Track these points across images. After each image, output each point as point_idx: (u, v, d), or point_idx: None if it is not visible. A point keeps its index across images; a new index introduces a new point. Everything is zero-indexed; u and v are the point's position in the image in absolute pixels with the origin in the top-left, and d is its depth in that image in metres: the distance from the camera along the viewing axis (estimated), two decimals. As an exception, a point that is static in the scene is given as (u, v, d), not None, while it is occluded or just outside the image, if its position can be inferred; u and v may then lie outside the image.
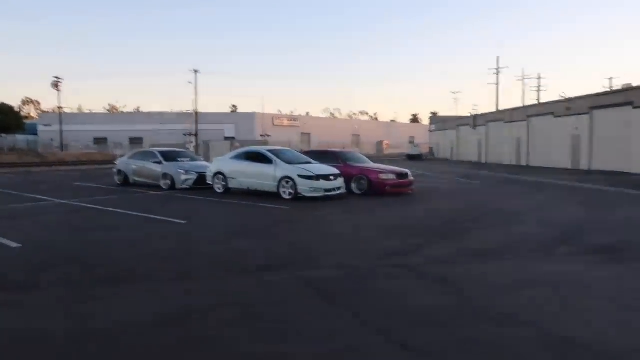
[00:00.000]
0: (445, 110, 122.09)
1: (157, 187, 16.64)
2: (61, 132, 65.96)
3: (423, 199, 14.23)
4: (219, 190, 15.18)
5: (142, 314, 4.52)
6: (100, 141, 75.70)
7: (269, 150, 14.40)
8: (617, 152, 29.22)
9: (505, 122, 43.76)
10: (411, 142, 69.02)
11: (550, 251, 7.28)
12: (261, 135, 75.22)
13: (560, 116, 35.28)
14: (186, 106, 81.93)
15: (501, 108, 50.62)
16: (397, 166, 17.51)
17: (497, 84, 67.08)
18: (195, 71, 74.62)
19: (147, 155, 17.89)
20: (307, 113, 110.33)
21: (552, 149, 36.01)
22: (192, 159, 18.15)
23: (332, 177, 13.70)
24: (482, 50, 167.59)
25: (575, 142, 33.45)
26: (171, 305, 4.73)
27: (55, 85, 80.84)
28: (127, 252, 7.08)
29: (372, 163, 16.41)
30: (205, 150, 45.30)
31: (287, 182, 13.45)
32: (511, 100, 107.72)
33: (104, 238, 8.24)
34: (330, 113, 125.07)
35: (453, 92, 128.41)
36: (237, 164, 14.83)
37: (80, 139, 74.49)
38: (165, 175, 16.67)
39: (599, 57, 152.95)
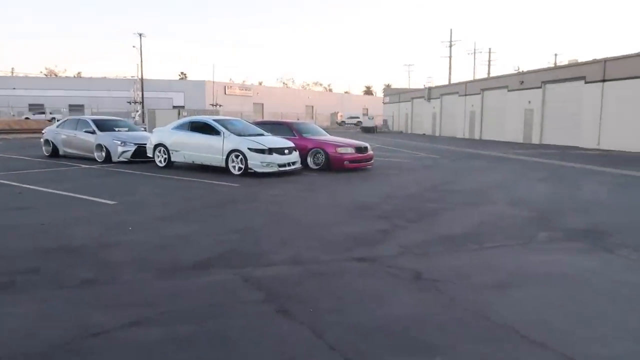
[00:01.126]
0: (399, 83, 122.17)
1: (91, 160, 14.94)
2: (-10, 96, 60.80)
3: (383, 174, 13.34)
4: (160, 164, 13.72)
5: (30, 339, 3.29)
6: (35, 107, 70.45)
7: (216, 120, 13.00)
8: (568, 127, 29.51)
9: (460, 96, 43.64)
10: (365, 115, 68.35)
11: (529, 237, 6.51)
12: (212, 105, 72.43)
13: (513, 90, 35.31)
14: (132, 73, 77.46)
15: (454, 81, 50.58)
16: (354, 139, 16.53)
17: (450, 57, 67.19)
18: (140, 35, 70.54)
19: (79, 124, 16.02)
20: (260, 83, 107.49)
21: (505, 123, 36.15)
22: (131, 129, 16.43)
23: (286, 151, 12.53)
24: (435, 22, 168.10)
25: (528, 116, 33.62)
26: (67, 325, 3.52)
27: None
28: (32, 242, 5.71)
29: (329, 136, 15.33)
30: (150, 119, 42.62)
31: (237, 156, 12.17)
32: (464, 74, 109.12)
33: (9, 222, 6.79)
34: (284, 83, 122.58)
35: (406, 65, 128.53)
36: (180, 135, 13.36)
37: (13, 105, 69.09)
38: (99, 147, 14.95)
39: (547, 33, 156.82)
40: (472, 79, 54.21)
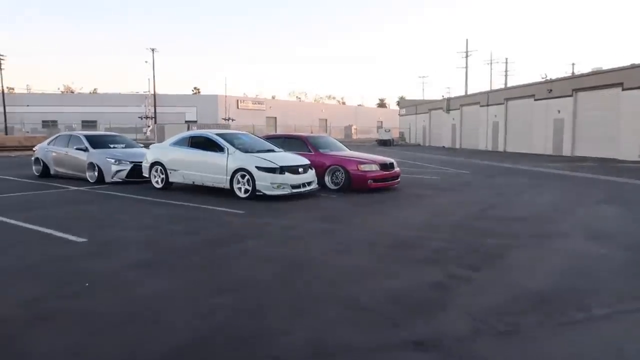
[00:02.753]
0: (413, 95, 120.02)
1: (84, 181, 13.30)
2: (5, 113, 60.27)
3: (415, 195, 11.42)
4: (157, 186, 11.99)
5: None
6: (49, 124, 69.88)
7: (220, 135, 11.24)
8: (603, 138, 27.32)
9: (481, 106, 41.62)
10: (381, 127, 66.38)
11: (648, 295, 4.56)
12: (224, 119, 71.36)
13: (541, 99, 33.24)
14: (146, 88, 76.95)
15: (470, 92, 48.50)
16: (372, 153, 14.68)
17: (466, 67, 65.23)
18: (153, 50, 70.11)
19: (71, 141, 14.41)
20: (273, 97, 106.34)
21: (532, 134, 34.01)
22: (128, 145, 14.76)
23: (300, 170, 10.70)
24: (449, 34, 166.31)
25: (558, 127, 31.48)
26: None
27: (-4, 63, 74.53)
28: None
29: (348, 150, 13.49)
30: (160, 135, 41.37)
31: (243, 176, 10.38)
32: (480, 85, 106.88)
33: None
34: (297, 97, 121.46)
35: (420, 77, 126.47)
36: (179, 152, 11.62)
37: (27, 122, 68.64)
38: (91, 166, 13.30)
39: (562, 44, 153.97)
40: (491, 88, 52.16)
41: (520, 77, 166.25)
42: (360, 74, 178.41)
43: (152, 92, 70.12)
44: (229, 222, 7.97)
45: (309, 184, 10.86)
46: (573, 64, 75.03)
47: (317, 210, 9.29)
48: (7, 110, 66.51)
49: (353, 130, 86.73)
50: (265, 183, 10.11)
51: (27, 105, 74.48)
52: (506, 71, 74.99)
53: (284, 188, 10.25)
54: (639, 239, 6.87)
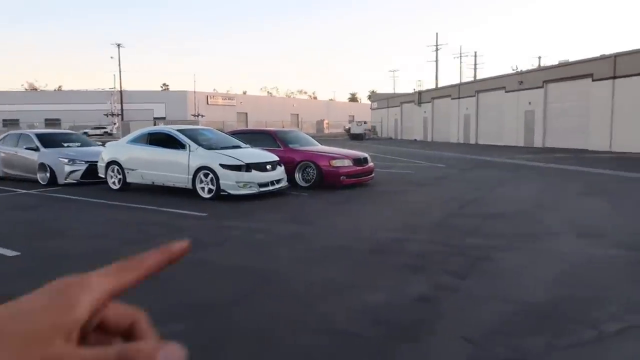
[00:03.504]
0: (384, 89, 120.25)
1: (35, 183, 12.25)
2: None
3: (391, 192, 10.83)
4: (113, 187, 11.08)
5: None
6: (10, 123, 66.92)
7: (181, 131, 10.40)
8: (574, 129, 27.42)
9: (453, 99, 41.54)
10: (352, 121, 65.93)
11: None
12: (193, 115, 69.75)
13: (512, 91, 33.25)
14: (112, 85, 74.62)
15: (440, 85, 48.47)
16: (344, 148, 14.07)
17: (436, 60, 65.32)
18: (118, 45, 67.99)
19: (21, 139, 13.29)
20: (244, 92, 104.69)
21: (504, 126, 34.03)
22: (84, 144, 13.72)
23: (268, 167, 9.98)
24: (419, 27, 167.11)
25: (529, 118, 31.53)
26: None
27: (-48, 59, 70.85)
28: None
29: (320, 145, 12.81)
30: (125, 132, 39.78)
31: (206, 175, 9.59)
32: (450, 78, 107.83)
33: None
34: (268, 92, 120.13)
35: (391, 71, 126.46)
36: (137, 150, 10.74)
37: (-14, 121, 65.58)
38: (42, 167, 12.24)
39: (531, 36, 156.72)
40: (461, 81, 52.33)
41: (490, 70, 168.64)
42: (331, 69, 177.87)
43: (118, 89, 68.05)
44: (189, 227, 7.20)
45: (278, 181, 10.15)
46: (539, 57, 75.85)
47: (286, 210, 8.59)
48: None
49: (325, 125, 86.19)
50: (230, 182, 9.36)
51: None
52: (475, 64, 75.50)
53: (250, 187, 9.51)
54: (632, 236, 6.41)
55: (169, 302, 4.09)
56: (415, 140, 46.81)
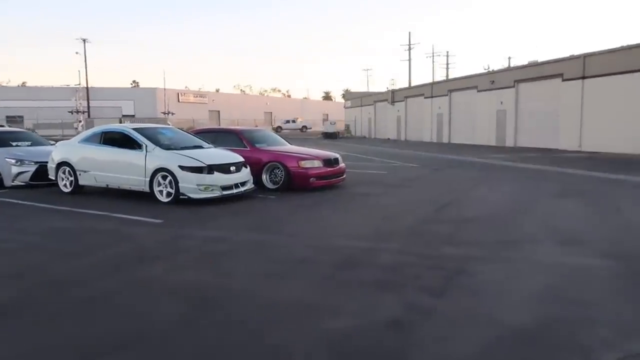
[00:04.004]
0: (358, 88, 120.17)
1: (-21, 185, 11.30)
2: None
3: (362, 194, 10.33)
4: (65, 190, 10.28)
5: None
6: (-31, 120, 64.04)
7: (137, 130, 9.66)
8: (545, 128, 27.55)
9: (426, 97, 41.49)
10: (326, 120, 65.56)
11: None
12: (163, 113, 68.14)
13: (483, 90, 33.30)
14: (78, 81, 72.45)
15: (414, 85, 48.41)
16: (317, 148, 13.55)
17: (409, 59, 65.46)
18: (84, 40, 66.08)
19: (-36, 139, 12.28)
20: (217, 90, 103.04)
21: (476, 125, 34.07)
22: (35, 143, 12.78)
23: (232, 168, 9.35)
24: (393, 26, 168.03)
25: (500, 118, 31.60)
26: None
27: None
28: None
29: (289, 145, 12.23)
30: (90, 130, 38.37)
31: (164, 177, 8.91)
32: (423, 77, 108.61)
33: None
34: (241, 90, 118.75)
35: (365, 70, 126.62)
36: (90, 150, 9.96)
37: (-56, 119, 62.71)
38: (-13, 168, 11.31)
39: (501, 37, 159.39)
40: (434, 80, 52.48)
41: (462, 70, 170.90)
42: (305, 67, 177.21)
43: (84, 85, 66.02)
44: (139, 236, 6.53)
45: (243, 184, 9.54)
46: (509, 58, 76.69)
47: (250, 216, 7.99)
48: None
49: (274, 121, 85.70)
50: (190, 185, 8.70)
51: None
52: (447, 64, 76.06)
53: (212, 190, 8.88)
54: (615, 243, 6.05)
55: (97, 335, 3.46)
56: (389, 139, 46.65)
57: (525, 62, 32.88)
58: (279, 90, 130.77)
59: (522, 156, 20.73)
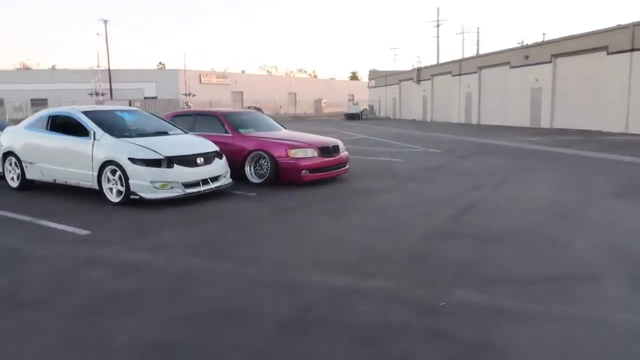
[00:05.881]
0: (385, 67, 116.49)
1: None
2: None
3: (362, 192, 8.36)
4: (12, 184, 8.68)
5: None
6: (-6, 103, 64.26)
7: (87, 113, 7.88)
8: (586, 108, 24.76)
9: (453, 76, 38.73)
10: (351, 100, 63.19)
11: None
12: (184, 95, 67.02)
13: (517, 66, 30.48)
14: (98, 62, 71.86)
15: (441, 62, 45.43)
16: (339, 128, 11.59)
17: (437, 36, 62.57)
18: (105, 21, 65.34)
19: None
20: (243, 71, 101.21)
21: (508, 105, 31.35)
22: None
23: (199, 160, 7.52)
24: (421, 3, 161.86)
25: (535, 96, 28.83)
26: None
27: None
28: None
29: (284, 130, 10.32)
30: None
31: (114, 172, 7.16)
32: (452, 56, 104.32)
33: None
34: (267, 71, 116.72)
35: (392, 48, 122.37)
36: (35, 138, 8.29)
37: (-29, 101, 63.17)
38: None
39: (537, 12, 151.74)
40: (465, 57, 49.36)
41: (493, 47, 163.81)
42: (332, 47, 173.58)
43: (103, 67, 65.36)
44: (42, 258, 4.78)
45: (215, 179, 7.71)
46: (544, 34, 71.58)
47: (209, 225, 6.15)
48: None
49: (323, 104, 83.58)
50: (143, 182, 6.92)
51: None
52: (478, 40, 72.59)
53: (172, 188, 7.09)
54: None
55: None
56: (414, 120, 44.16)
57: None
58: (305, 71, 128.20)
59: (560, 140, 18.28)
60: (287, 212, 6.78)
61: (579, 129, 24.16)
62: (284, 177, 8.59)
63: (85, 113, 7.82)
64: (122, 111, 8.67)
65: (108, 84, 66.76)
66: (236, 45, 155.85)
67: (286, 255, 4.82)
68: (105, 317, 3.41)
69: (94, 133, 7.43)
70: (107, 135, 7.39)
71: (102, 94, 59.62)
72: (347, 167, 9.62)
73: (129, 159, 6.97)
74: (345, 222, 6.18)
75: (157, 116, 9.25)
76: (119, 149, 7.14)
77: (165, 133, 8.18)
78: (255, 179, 8.83)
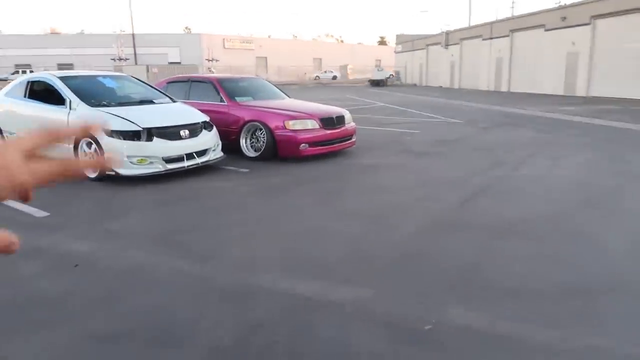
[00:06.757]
0: (414, 32, 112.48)
1: None
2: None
3: (364, 169, 7.53)
4: (-6, 155, 8.16)
5: None
6: (21, 67, 64.87)
7: (65, 78, 7.20)
8: (628, 74, 22.94)
9: (484, 39, 36.68)
10: (378, 66, 61.26)
11: None
12: (207, 60, 66.23)
13: (552, 29, 28.47)
14: (122, 26, 71.52)
15: (470, 25, 43.09)
16: (360, 96, 10.68)
17: (471, -3, 59.16)
18: (128, -18, 64.28)
19: None
20: (269, 36, 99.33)
21: (541, 71, 29.49)
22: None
23: (183, 132, 6.79)
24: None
25: (571, 61, 26.94)
26: None
27: (-41, 1, 68.51)
28: None
29: (286, 99, 9.48)
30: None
31: (89, 145, 6.52)
32: (484, 20, 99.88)
33: None
34: (294, 36, 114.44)
35: (421, 11, 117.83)
36: (13, 105, 7.69)
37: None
38: None
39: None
40: (497, 19, 46.86)
41: (528, 9, 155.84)
42: (360, 11, 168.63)
43: (125, 32, 64.79)
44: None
45: (202, 153, 7.00)
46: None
47: (180, 207, 5.46)
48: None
49: (349, 70, 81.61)
50: (119, 157, 6.26)
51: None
52: (512, 1, 68.65)
53: (151, 163, 6.41)
54: None
55: None
56: (441, 87, 42.40)
57: None
58: (332, 36, 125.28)
59: (597, 109, 16.85)
60: (274, 193, 6.04)
61: (618, 97, 22.45)
62: (281, 151, 7.82)
63: (63, 79, 7.15)
64: (105, 77, 7.96)
65: (132, 49, 66.38)
66: (263, 11, 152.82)
67: (256, 250, 4.10)
68: (2, 335, 2.77)
69: (70, 101, 6.77)
70: (82, 103, 6.72)
71: (126, 59, 59.32)
72: (353, 140, 8.76)
73: (104, 130, 6.31)
74: (335, 206, 5.40)
75: (145, 83, 8.51)
76: (94, 120, 6.46)
77: (150, 102, 7.47)
78: (251, 153, 8.09)
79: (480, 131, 11.83)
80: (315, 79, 62.55)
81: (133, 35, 67.97)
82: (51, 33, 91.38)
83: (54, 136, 0.52)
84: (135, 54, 67.36)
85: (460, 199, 5.57)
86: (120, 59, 58.12)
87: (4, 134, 7.85)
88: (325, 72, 69.23)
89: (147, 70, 39.48)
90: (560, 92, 27.33)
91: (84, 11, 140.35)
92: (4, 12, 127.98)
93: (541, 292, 3.23)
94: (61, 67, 64.16)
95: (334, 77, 65.73)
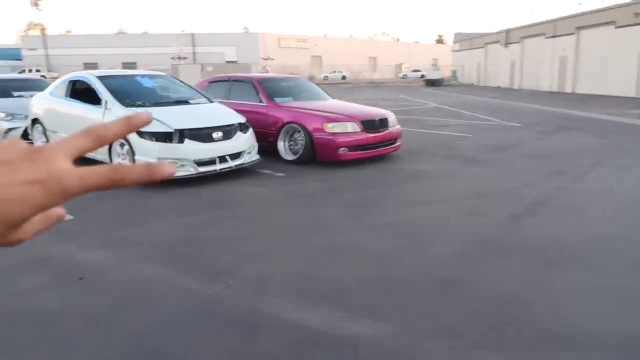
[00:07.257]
0: (473, 30, 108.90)
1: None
2: (47, 56, 58.97)
3: (407, 176, 7.01)
4: (39, 153, 8.28)
5: None
6: (89, 66, 68.31)
7: (102, 78, 7.15)
8: None
9: (546, 38, 34.76)
10: (434, 65, 59.75)
11: None
12: (263, 59, 67.03)
13: (624, 25, 26.45)
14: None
15: (532, 23, 40.83)
16: (415, 96, 10.18)
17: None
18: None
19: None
20: (325, 35, 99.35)
21: (610, 71, 27.51)
22: (43, 93, 11.01)
23: (216, 134, 6.55)
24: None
25: (646, 61, 24.92)
26: None
27: (35, 3, 72.91)
28: None
29: (329, 100, 9.10)
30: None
31: (122, 145, 6.41)
32: (546, 17, 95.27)
33: None
34: (350, 35, 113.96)
35: (480, 8, 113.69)
36: (56, 104, 7.75)
37: (68, 65, 67.63)
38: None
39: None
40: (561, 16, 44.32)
41: (595, 5, 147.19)
42: (417, 9, 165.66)
43: (185, 31, 66.65)
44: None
45: (237, 156, 6.73)
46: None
47: (205, 215, 5.18)
48: (49, 53, 65.42)
49: (404, 69, 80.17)
50: (150, 158, 6.09)
51: (69, 49, 73.35)
52: (581, -2, 64.81)
53: (183, 166, 6.20)
54: None
55: None
56: (499, 87, 40.64)
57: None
58: (388, 35, 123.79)
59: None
60: (306, 201, 5.67)
61: (698, 100, 20.50)
62: (319, 154, 7.44)
63: (101, 78, 7.10)
64: (143, 76, 7.87)
65: (192, 47, 68.27)
66: (320, 10, 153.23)
67: (273, 267, 3.74)
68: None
69: (106, 102, 6.70)
70: (117, 103, 6.63)
71: (185, 58, 61.05)
72: (398, 144, 8.24)
73: (137, 132, 6.16)
74: (368, 219, 4.94)
75: (183, 83, 8.38)
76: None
77: (185, 102, 7.30)
78: (289, 156, 7.76)
79: (539, 136, 10.95)
80: (324, 79, 61.79)
81: (192, 35, 69.85)
82: (118, 33, 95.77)
83: (103, 138, 0.43)
84: (194, 52, 69.20)
85: (511, 214, 4.98)
86: (179, 58, 59.90)
87: (48, 133, 7.94)
88: (335, 72, 68.04)
89: (202, 69, 40.21)
90: (632, 94, 25.36)
91: (149, 12, 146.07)
92: (77, 13, 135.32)
93: (605, 343, 2.66)
94: (125, 65, 66.92)
95: (344, 77, 64.35)
